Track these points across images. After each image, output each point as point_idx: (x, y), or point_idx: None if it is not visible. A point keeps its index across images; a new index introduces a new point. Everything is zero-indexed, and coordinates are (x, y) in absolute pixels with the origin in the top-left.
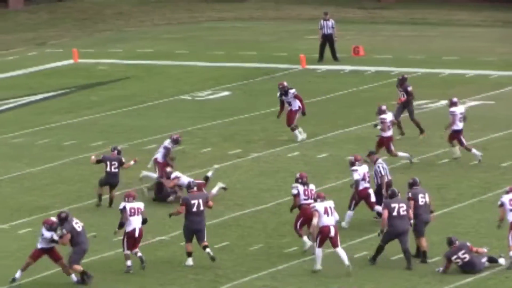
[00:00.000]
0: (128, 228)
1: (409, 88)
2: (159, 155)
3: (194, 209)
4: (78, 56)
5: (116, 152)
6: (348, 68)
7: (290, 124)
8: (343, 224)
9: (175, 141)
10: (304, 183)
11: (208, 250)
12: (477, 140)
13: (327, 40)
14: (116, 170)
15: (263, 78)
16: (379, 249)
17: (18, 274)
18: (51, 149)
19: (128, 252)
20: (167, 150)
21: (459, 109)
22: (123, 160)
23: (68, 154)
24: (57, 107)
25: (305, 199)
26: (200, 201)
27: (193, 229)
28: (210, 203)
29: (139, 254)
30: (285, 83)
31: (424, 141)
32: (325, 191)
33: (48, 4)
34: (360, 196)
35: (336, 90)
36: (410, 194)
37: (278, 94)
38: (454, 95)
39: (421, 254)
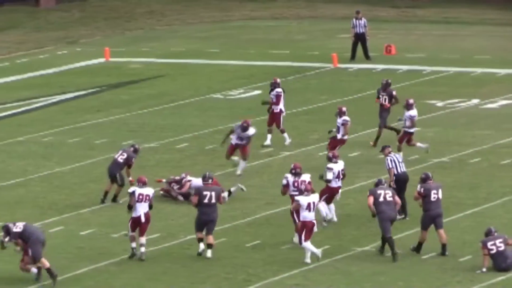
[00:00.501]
0: (134, 214)
1: (394, 93)
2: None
3: (206, 200)
4: (109, 55)
5: (132, 149)
6: (380, 67)
7: (276, 127)
8: (334, 218)
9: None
10: (296, 174)
11: (209, 250)
12: (509, 139)
13: (359, 39)
14: (121, 161)
15: (295, 77)
16: (385, 240)
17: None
18: (81, 148)
19: (133, 233)
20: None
21: (415, 112)
22: (132, 161)
23: (99, 153)
24: (88, 106)
25: (293, 190)
26: (213, 193)
27: (204, 220)
28: (222, 198)
29: (142, 249)
30: (278, 80)
31: (455, 140)
32: (355, 191)
33: (79, 2)
34: (332, 193)
35: (367, 89)
36: (422, 190)
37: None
38: (485, 94)
39: (441, 247)
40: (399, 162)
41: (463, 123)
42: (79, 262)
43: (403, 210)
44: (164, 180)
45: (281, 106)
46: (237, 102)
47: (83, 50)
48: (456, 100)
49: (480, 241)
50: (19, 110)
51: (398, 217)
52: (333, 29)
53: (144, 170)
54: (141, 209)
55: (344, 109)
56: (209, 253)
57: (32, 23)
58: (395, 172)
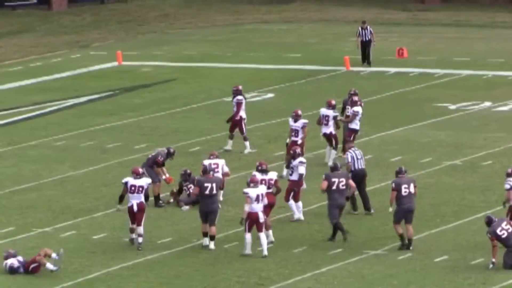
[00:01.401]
0: (128, 204)
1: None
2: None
3: (207, 192)
4: (122, 59)
5: (166, 151)
6: (392, 70)
7: (240, 133)
8: (299, 216)
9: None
10: (263, 171)
11: (212, 242)
12: None
13: (366, 45)
14: (149, 157)
15: (308, 80)
16: (334, 227)
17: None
18: (95, 151)
19: (132, 226)
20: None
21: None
22: (159, 158)
23: (112, 157)
24: (101, 110)
25: None
26: (214, 185)
27: (205, 211)
28: (224, 180)
29: (140, 240)
30: (240, 87)
31: (468, 143)
32: (368, 194)
33: (91, 6)
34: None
35: (380, 92)
36: (393, 184)
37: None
38: (497, 96)
39: (407, 241)
40: (357, 158)
41: (475, 125)
42: (92, 266)
43: (365, 205)
44: (173, 181)
45: (241, 113)
46: (250, 105)
47: (96, 53)
48: (469, 103)
49: (488, 232)
50: (33, 114)
51: (355, 212)
52: (345, 32)
53: None
54: (134, 199)
55: (299, 112)
56: (212, 244)
57: (44, 27)
58: (353, 168)
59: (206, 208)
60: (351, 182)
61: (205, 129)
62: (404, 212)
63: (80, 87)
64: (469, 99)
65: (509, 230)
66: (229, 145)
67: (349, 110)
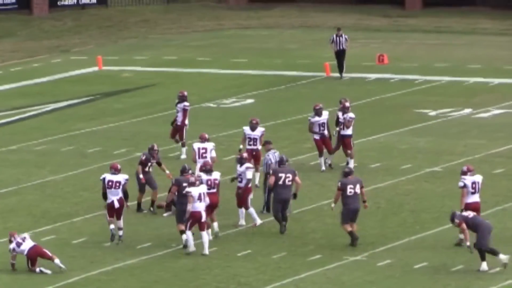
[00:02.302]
0: (107, 200)
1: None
2: None
3: (184, 191)
4: (102, 64)
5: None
6: (372, 76)
7: (179, 139)
8: (242, 222)
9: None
10: (207, 171)
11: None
12: (501, 149)
13: (340, 55)
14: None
15: (288, 86)
16: (275, 218)
17: None
18: (75, 156)
19: (110, 218)
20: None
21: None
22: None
23: (92, 162)
24: (81, 115)
25: (208, 189)
26: None
27: (182, 210)
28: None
29: (120, 232)
30: (185, 93)
31: (448, 149)
32: None
33: (72, 11)
34: (247, 193)
35: (360, 98)
36: (339, 184)
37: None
38: (478, 103)
39: (353, 238)
40: (272, 162)
41: (455, 132)
42: (71, 271)
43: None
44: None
45: (186, 120)
46: (230, 110)
47: (76, 58)
48: (449, 110)
49: (455, 217)
50: (13, 118)
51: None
52: (326, 39)
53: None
54: (112, 195)
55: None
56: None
57: (25, 32)
58: (265, 170)
59: (185, 207)
60: (297, 179)
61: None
62: (349, 212)
63: (60, 91)
64: (449, 105)
65: (471, 215)
66: (184, 153)
67: (341, 117)
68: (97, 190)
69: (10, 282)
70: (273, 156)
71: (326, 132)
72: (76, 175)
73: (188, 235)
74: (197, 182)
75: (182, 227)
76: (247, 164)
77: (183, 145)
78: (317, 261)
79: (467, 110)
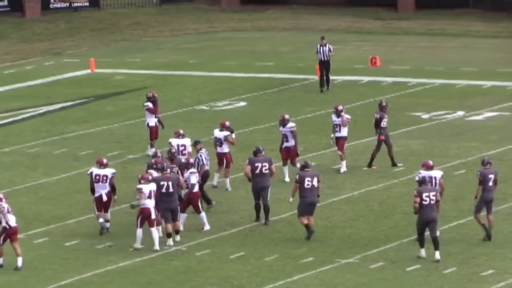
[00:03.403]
0: (95, 194)
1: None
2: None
3: (164, 190)
4: (95, 66)
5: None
6: (365, 78)
7: (154, 138)
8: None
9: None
10: (158, 169)
11: (177, 236)
12: (493, 151)
13: (324, 66)
14: None
15: (280, 88)
16: (255, 207)
17: None
18: (67, 159)
19: (99, 213)
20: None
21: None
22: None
23: (85, 164)
24: (74, 117)
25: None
26: (170, 183)
27: (164, 209)
28: (182, 183)
29: (107, 225)
30: (156, 94)
31: (441, 152)
32: (340, 202)
33: (65, 13)
34: (195, 198)
35: (353, 101)
36: (297, 177)
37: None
38: (471, 106)
39: (309, 231)
40: (204, 164)
41: (448, 135)
42: (64, 273)
43: (204, 198)
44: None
45: (155, 120)
46: (223, 113)
47: (69, 61)
48: (442, 112)
49: (415, 190)
50: (6, 121)
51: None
52: (318, 41)
53: (130, 180)
54: (100, 189)
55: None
56: (177, 237)
57: (18, 34)
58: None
59: (166, 205)
60: (273, 167)
61: None
62: (306, 204)
63: (53, 94)
64: (442, 108)
65: (431, 203)
66: (150, 151)
67: (336, 120)
68: (89, 193)
69: (4, 285)
70: (204, 157)
71: (289, 144)
72: (69, 178)
73: (138, 233)
74: (150, 178)
75: (169, 229)
76: (191, 169)
77: (151, 146)
78: (309, 264)
79: (460, 113)
